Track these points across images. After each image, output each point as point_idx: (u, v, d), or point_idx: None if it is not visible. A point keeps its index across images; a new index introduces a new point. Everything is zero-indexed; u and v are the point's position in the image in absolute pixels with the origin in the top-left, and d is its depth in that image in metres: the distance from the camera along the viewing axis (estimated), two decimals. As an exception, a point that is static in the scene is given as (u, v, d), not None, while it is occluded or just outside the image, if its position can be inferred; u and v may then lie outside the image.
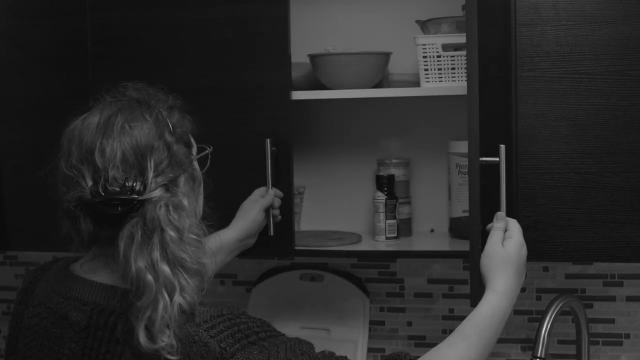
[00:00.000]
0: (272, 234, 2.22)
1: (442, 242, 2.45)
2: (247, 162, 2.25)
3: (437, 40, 2.27)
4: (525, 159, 2.00)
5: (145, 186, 1.44)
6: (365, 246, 2.42)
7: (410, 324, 2.63)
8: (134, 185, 1.43)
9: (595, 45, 1.95)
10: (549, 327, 2.14)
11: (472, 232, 1.81)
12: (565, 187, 1.98)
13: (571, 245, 2.00)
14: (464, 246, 2.33)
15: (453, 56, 2.26)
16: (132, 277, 1.40)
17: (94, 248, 1.52)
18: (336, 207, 2.64)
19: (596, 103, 1.96)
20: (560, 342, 2.50)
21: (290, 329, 2.60)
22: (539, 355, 2.13)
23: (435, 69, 2.28)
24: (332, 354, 1.52)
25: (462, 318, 2.54)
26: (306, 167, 2.63)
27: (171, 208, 1.44)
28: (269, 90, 2.23)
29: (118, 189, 1.43)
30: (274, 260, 2.68)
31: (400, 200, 2.45)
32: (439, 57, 2.27)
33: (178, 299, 1.40)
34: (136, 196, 1.42)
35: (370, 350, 2.62)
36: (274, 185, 2.21)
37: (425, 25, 2.35)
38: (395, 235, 2.43)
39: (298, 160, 2.59)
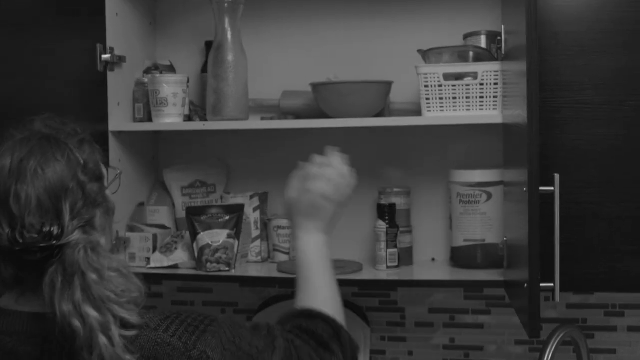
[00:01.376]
0: None
1: (443, 271, 2.44)
2: None
3: (438, 70, 2.28)
4: (525, 188, 2.00)
5: (62, 230, 1.43)
6: (366, 275, 2.42)
7: (411, 353, 2.62)
8: (51, 230, 1.42)
9: (595, 75, 1.96)
10: (550, 357, 2.14)
11: (532, 261, 1.83)
12: (565, 216, 1.97)
13: (572, 274, 1.99)
14: (464, 275, 2.34)
15: (454, 85, 2.27)
16: (59, 322, 1.40)
17: (22, 286, 1.51)
18: (337, 235, 2.61)
19: (596, 133, 1.97)
20: (562, 373, 2.49)
21: (291, 358, 2.59)
22: (539, 385, 2.12)
23: (436, 98, 2.28)
24: (256, 324, 1.59)
25: (463, 347, 2.56)
26: (307, 195, 2.63)
27: (89, 250, 1.44)
28: None
29: (35, 235, 1.42)
30: (274, 288, 2.67)
31: (401, 229, 2.45)
32: (440, 86, 2.28)
33: (116, 330, 1.41)
34: (54, 242, 1.42)
35: (370, 379, 2.61)
36: None
37: (426, 55, 2.36)
38: (396, 264, 2.43)
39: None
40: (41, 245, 1.42)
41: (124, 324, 1.42)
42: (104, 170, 1.58)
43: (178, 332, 1.45)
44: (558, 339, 2.18)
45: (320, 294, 1.74)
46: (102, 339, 1.39)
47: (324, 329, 1.63)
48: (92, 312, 1.40)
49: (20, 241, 1.42)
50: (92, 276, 1.42)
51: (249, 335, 1.52)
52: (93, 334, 1.39)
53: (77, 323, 1.40)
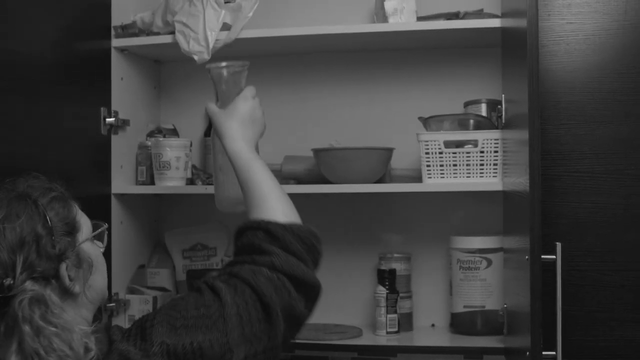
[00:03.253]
0: None
1: (443, 337, 2.44)
2: None
3: (439, 137, 2.30)
4: (526, 256, 2.01)
5: (13, 283, 1.48)
6: (365, 340, 2.41)
7: (410, 420, 2.60)
8: (3, 282, 1.47)
9: (595, 144, 1.98)
10: None
11: (533, 330, 1.83)
12: (566, 284, 1.98)
13: (572, 342, 1.99)
14: (464, 342, 2.34)
15: (455, 152, 2.29)
16: None
17: None
18: (337, 300, 2.63)
19: (596, 201, 1.98)
20: None
21: (289, 423, 2.58)
22: None
23: (437, 165, 2.30)
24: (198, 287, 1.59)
25: (462, 415, 2.54)
26: (308, 259, 2.64)
27: (34, 303, 1.47)
28: None
29: None
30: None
31: (401, 295, 2.45)
32: (440, 153, 2.30)
33: None
34: (3, 293, 1.46)
35: None
36: None
37: (427, 122, 2.38)
38: (395, 329, 2.43)
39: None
40: None
41: None
42: (81, 225, 1.62)
43: (135, 341, 1.48)
44: (558, 407, 2.16)
45: (266, 190, 1.79)
46: None
47: (258, 236, 1.66)
48: None
49: None
50: (27, 329, 1.44)
51: (193, 302, 1.53)
52: None
53: None
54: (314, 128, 2.62)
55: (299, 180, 2.53)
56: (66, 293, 1.54)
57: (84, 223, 1.64)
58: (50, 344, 1.45)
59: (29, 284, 1.48)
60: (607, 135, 1.98)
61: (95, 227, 1.68)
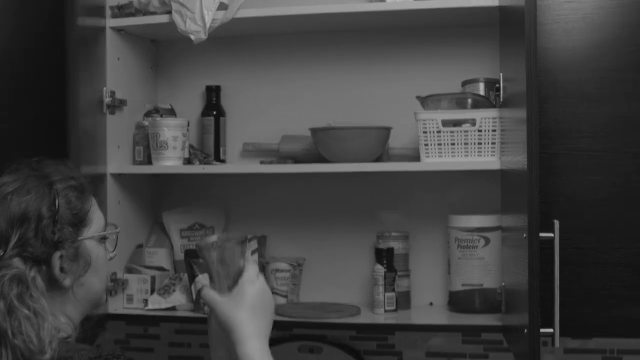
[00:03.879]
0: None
1: (441, 316, 2.45)
2: None
3: (436, 116, 2.30)
4: (524, 234, 2.02)
5: (2, 255, 1.49)
6: (363, 318, 2.42)
7: (408, 397, 2.62)
8: None
9: (593, 123, 1.98)
10: (548, 402, 2.14)
11: (531, 307, 1.84)
12: (564, 262, 1.99)
13: (570, 320, 2.00)
14: (462, 320, 2.35)
15: (452, 131, 2.29)
16: None
17: None
18: (335, 279, 2.64)
19: (594, 179, 1.99)
20: (559, 418, 2.49)
21: (288, 402, 2.60)
22: None
23: (434, 144, 2.30)
24: None
25: (460, 392, 2.55)
26: (306, 238, 2.65)
27: (13, 280, 1.47)
28: None
29: None
30: (272, 331, 2.66)
31: (399, 273, 2.46)
32: (438, 132, 2.30)
33: None
34: None
35: (368, 423, 2.60)
36: None
37: (425, 101, 2.38)
38: (393, 307, 2.44)
39: (297, 232, 2.60)
40: None
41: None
42: (92, 221, 1.61)
43: None
44: (556, 384, 2.18)
45: None
46: None
47: None
48: None
49: None
50: (1, 305, 1.45)
51: None
52: None
53: None
54: (311, 107, 2.62)
55: (297, 160, 2.53)
56: (54, 283, 1.54)
57: (96, 221, 1.63)
58: (19, 325, 1.45)
59: (16, 261, 1.49)
60: (606, 114, 1.98)
61: (106, 230, 1.67)
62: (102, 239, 1.65)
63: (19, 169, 1.60)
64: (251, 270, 1.65)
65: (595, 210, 1.98)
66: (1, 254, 1.49)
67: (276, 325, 2.43)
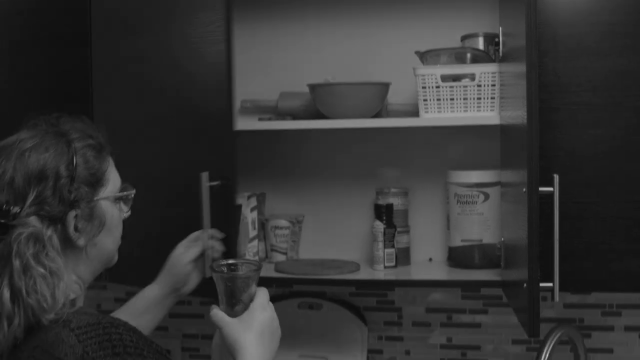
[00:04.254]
0: (207, 275, 2.03)
1: (440, 271, 2.45)
2: (185, 197, 2.15)
3: (436, 71, 2.29)
4: (523, 189, 2.02)
5: (19, 212, 1.47)
6: (363, 275, 2.43)
7: (408, 352, 2.63)
8: (10, 209, 1.47)
9: (593, 77, 1.97)
10: (547, 356, 2.15)
11: (531, 262, 1.84)
12: (564, 217, 1.99)
13: (569, 274, 2.00)
14: (462, 275, 2.35)
15: (452, 87, 2.28)
16: None
17: None
18: (334, 235, 2.65)
19: (594, 134, 1.98)
20: (558, 372, 2.51)
21: (288, 357, 2.60)
22: (537, 384, 2.13)
23: (434, 100, 2.29)
24: None
25: (459, 347, 2.57)
26: (305, 195, 2.64)
27: (30, 238, 1.47)
28: (211, 119, 2.13)
29: None
30: (272, 288, 2.68)
31: (398, 229, 2.46)
32: (437, 87, 2.29)
33: (15, 329, 1.43)
34: (6, 220, 1.46)
35: (368, 379, 2.62)
36: (216, 224, 2.08)
37: (424, 56, 2.36)
38: (393, 264, 2.44)
39: (297, 189, 2.60)
40: None
41: (31, 320, 1.44)
42: (108, 181, 1.60)
43: (90, 340, 1.42)
44: (555, 338, 2.19)
45: None
46: (4, 328, 1.43)
47: None
48: (7, 297, 1.44)
49: None
50: (16, 264, 1.45)
51: None
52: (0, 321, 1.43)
53: None
54: (309, 64, 2.60)
55: (295, 117, 2.52)
56: (68, 242, 1.53)
57: (113, 181, 1.63)
58: (34, 284, 1.45)
59: (33, 220, 1.48)
60: (606, 67, 1.96)
61: (123, 190, 1.66)
62: (117, 200, 1.64)
63: (37, 124, 1.58)
64: (262, 296, 1.68)
65: (595, 165, 1.98)
66: (17, 211, 1.48)
67: (276, 282, 2.48)
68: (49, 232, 1.49)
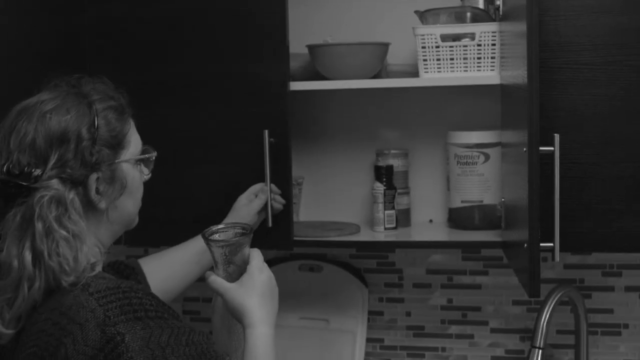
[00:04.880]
0: (270, 225, 2.20)
1: (441, 233, 2.45)
2: (244, 155, 2.24)
3: (435, 31, 2.27)
4: (524, 149, 2.01)
5: (41, 175, 1.47)
6: (363, 236, 2.42)
7: (408, 313, 2.63)
8: (32, 171, 1.47)
9: (594, 36, 1.95)
10: (547, 317, 2.15)
11: (531, 222, 1.83)
12: (564, 177, 1.98)
13: (569, 235, 2.00)
14: (462, 236, 2.35)
15: (451, 46, 2.26)
16: (2, 257, 1.46)
17: None
18: (335, 197, 2.64)
19: (595, 93, 1.97)
20: (559, 332, 2.50)
21: (289, 319, 2.61)
22: (537, 344, 2.13)
23: (433, 60, 2.27)
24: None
25: (460, 308, 2.57)
26: (304, 157, 2.63)
27: (52, 201, 1.46)
28: (266, 81, 2.21)
29: (17, 172, 1.47)
30: (272, 251, 2.67)
31: (398, 191, 2.45)
32: (437, 47, 2.26)
33: (35, 292, 1.44)
34: (29, 183, 1.46)
35: (368, 340, 2.62)
36: (272, 178, 2.19)
37: (423, 16, 2.34)
38: (393, 225, 2.43)
39: (296, 151, 2.59)
40: (17, 182, 1.47)
41: (51, 284, 1.44)
42: (129, 144, 1.59)
43: (111, 304, 1.42)
44: (555, 299, 2.19)
45: None
46: (24, 290, 1.44)
47: None
48: (29, 261, 1.44)
49: (4, 173, 1.47)
50: (39, 227, 1.45)
51: None
52: (20, 282, 1.44)
53: (15, 264, 1.45)
54: (307, 24, 2.57)
55: (294, 77, 2.49)
56: (90, 205, 1.53)
57: (134, 143, 1.61)
58: (57, 247, 1.45)
59: (55, 182, 1.47)
60: (607, 26, 1.94)
61: (144, 153, 1.65)
62: (138, 162, 1.63)
63: (57, 85, 1.57)
64: (257, 257, 1.70)
65: (596, 124, 1.96)
66: (39, 173, 1.47)
67: (276, 244, 2.47)
68: (71, 194, 1.48)
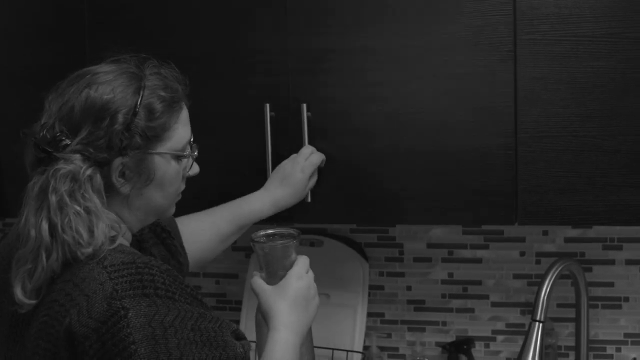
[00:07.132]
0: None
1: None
2: (244, 129, 2.22)
3: None
4: (524, 122, 2.00)
5: (69, 145, 1.48)
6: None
7: (409, 288, 2.64)
8: (62, 140, 1.48)
9: (595, 7, 1.94)
10: (548, 290, 2.15)
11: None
12: (564, 150, 1.97)
13: (570, 208, 2.00)
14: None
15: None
16: (21, 225, 1.48)
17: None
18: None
19: (595, 65, 1.95)
20: (560, 306, 2.51)
21: (290, 294, 2.61)
22: (538, 318, 2.13)
23: None
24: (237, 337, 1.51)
25: (460, 282, 2.57)
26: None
27: (67, 176, 1.47)
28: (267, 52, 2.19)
29: (49, 137, 1.48)
30: (272, 225, 2.67)
31: (399, 165, 2.44)
32: None
33: (53, 263, 1.46)
34: (53, 149, 1.47)
35: (369, 314, 2.62)
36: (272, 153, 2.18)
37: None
38: (394, 200, 2.43)
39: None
40: (42, 147, 1.48)
41: (68, 256, 1.46)
42: (171, 137, 1.57)
43: (122, 279, 1.42)
44: (556, 272, 2.19)
45: None
46: (43, 260, 1.45)
47: None
48: (45, 231, 1.46)
49: (37, 135, 1.49)
50: (52, 199, 1.46)
51: (193, 351, 1.41)
52: (39, 252, 1.45)
53: (33, 233, 1.46)
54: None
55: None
56: (111, 187, 1.52)
57: (177, 138, 1.58)
58: (69, 221, 1.45)
59: (77, 157, 1.47)
60: (608, -3, 1.94)
61: (185, 150, 1.62)
62: (178, 158, 1.60)
63: (119, 60, 1.56)
64: (301, 265, 1.72)
65: (596, 97, 1.95)
66: (67, 143, 1.47)
67: (276, 219, 2.47)
68: (89, 171, 1.48)
